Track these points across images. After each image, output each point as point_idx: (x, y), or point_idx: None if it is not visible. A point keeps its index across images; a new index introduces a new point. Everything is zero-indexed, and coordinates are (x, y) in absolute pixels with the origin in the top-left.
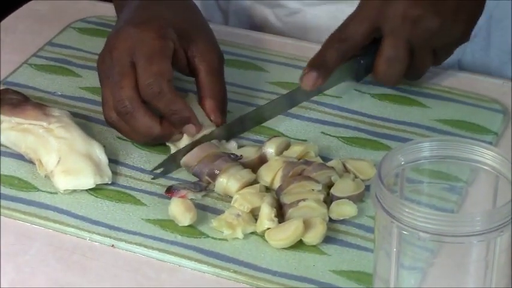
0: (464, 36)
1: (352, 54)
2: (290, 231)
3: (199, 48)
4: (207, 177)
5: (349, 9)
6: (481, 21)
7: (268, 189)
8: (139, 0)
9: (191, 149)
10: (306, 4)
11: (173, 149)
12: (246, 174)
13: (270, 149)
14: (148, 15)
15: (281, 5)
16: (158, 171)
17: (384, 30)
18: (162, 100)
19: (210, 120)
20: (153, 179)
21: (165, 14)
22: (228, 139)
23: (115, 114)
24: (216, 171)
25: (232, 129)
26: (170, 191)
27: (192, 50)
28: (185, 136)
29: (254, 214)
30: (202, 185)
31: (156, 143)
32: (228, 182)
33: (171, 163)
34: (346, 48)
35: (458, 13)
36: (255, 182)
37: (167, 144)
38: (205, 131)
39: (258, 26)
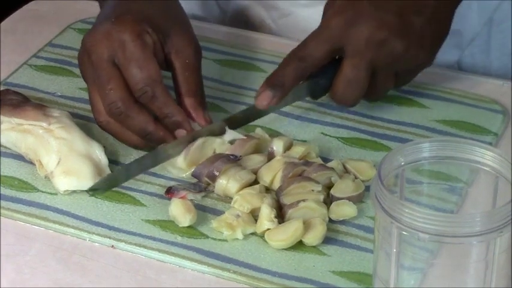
0: (428, 60)
1: (310, 73)
2: (290, 231)
3: (174, 43)
4: (206, 179)
5: None
6: (481, 23)
7: (268, 189)
8: None
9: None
10: (296, 5)
11: (171, 169)
12: (246, 175)
13: (277, 147)
14: (122, 11)
15: (274, 7)
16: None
17: (346, 51)
18: (156, 103)
19: (192, 118)
20: (90, 189)
21: (139, 9)
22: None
23: (105, 117)
24: (216, 173)
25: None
26: (170, 192)
27: (168, 45)
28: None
29: (254, 215)
30: (202, 185)
31: (147, 146)
32: (227, 183)
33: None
34: (304, 67)
35: (423, 38)
36: (255, 182)
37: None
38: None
39: (255, 27)
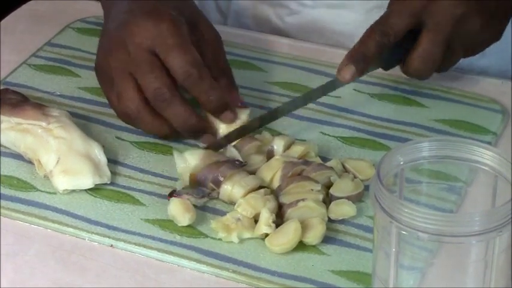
0: (497, 35)
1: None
2: (290, 234)
3: (201, 30)
4: (211, 184)
5: (347, 13)
6: None
7: (273, 192)
8: None
9: (239, 134)
10: (306, 5)
11: (176, 155)
12: (251, 181)
13: (277, 146)
14: (152, 5)
15: (283, 5)
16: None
17: (426, 25)
18: (202, 86)
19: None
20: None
21: (166, 3)
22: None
23: (137, 104)
24: (221, 178)
25: (264, 121)
26: (172, 196)
27: (195, 33)
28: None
29: (256, 220)
30: (206, 191)
31: (176, 137)
32: (232, 189)
33: (224, 141)
34: (386, 42)
35: (496, 13)
36: (260, 188)
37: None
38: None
39: (258, 26)
